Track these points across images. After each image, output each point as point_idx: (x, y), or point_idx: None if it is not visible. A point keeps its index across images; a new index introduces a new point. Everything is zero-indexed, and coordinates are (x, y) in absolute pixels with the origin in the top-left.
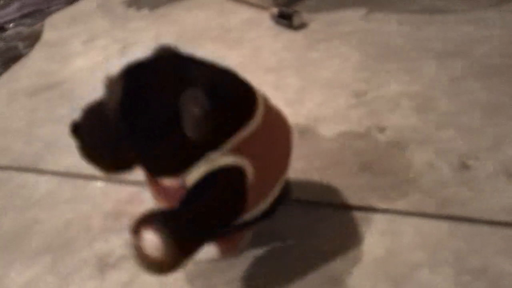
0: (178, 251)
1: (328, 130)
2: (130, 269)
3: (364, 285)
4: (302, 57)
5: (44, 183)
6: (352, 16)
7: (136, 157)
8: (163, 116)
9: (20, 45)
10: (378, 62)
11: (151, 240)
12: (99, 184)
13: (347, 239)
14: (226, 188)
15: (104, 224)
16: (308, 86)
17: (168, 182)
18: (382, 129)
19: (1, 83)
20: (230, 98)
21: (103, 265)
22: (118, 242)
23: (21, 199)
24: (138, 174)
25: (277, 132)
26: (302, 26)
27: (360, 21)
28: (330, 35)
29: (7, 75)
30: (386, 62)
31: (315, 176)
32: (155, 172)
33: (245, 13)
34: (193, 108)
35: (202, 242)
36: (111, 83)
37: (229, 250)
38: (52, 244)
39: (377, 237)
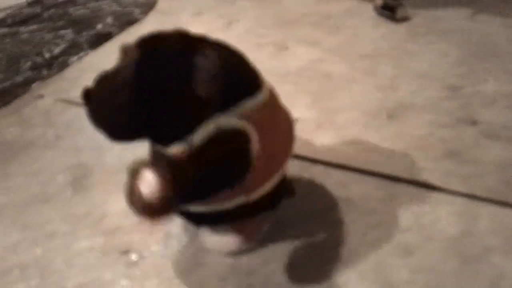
0: (171, 194)
1: (417, 117)
2: None
3: (435, 258)
4: (400, 48)
5: None
6: (456, 15)
7: (146, 124)
8: (175, 80)
9: (136, 11)
10: (478, 60)
11: (148, 178)
12: None
13: (423, 215)
14: (230, 147)
15: None
16: (401, 75)
17: (175, 150)
18: (473, 122)
19: (118, 41)
20: (239, 66)
21: None
22: None
23: None
24: None
25: (281, 118)
26: (404, 19)
27: (464, 21)
28: (432, 31)
29: (122, 35)
30: (485, 61)
31: (398, 156)
32: (164, 135)
33: (348, 2)
34: (205, 65)
35: (197, 195)
36: (126, 51)
37: (248, 239)
38: None
39: (453, 218)
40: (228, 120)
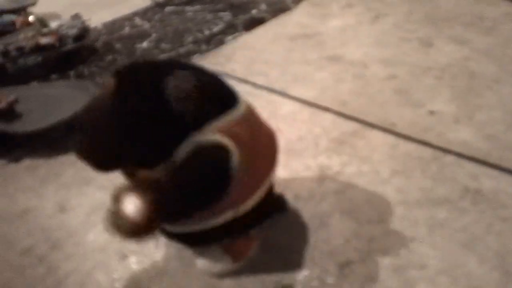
0: (155, 214)
1: None
2: (343, 182)
3: None
4: None
5: (287, 105)
6: None
7: (128, 150)
8: (149, 104)
9: (288, 0)
10: None
11: (133, 202)
12: (328, 115)
13: None
14: (209, 162)
15: (329, 146)
16: None
17: (157, 172)
18: None
19: (269, 26)
20: (210, 85)
21: (323, 174)
22: (338, 161)
23: (268, 112)
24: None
25: (262, 133)
26: None
27: None
28: None
29: (274, 21)
30: None
31: None
32: (146, 159)
33: (504, 6)
34: (176, 87)
35: (180, 212)
36: (104, 83)
37: (237, 259)
38: (285, 149)
39: None
40: (206, 136)
